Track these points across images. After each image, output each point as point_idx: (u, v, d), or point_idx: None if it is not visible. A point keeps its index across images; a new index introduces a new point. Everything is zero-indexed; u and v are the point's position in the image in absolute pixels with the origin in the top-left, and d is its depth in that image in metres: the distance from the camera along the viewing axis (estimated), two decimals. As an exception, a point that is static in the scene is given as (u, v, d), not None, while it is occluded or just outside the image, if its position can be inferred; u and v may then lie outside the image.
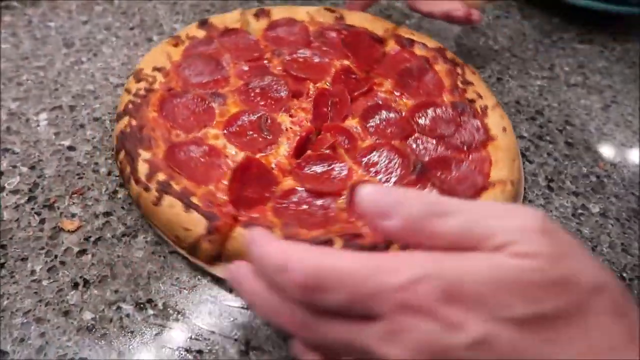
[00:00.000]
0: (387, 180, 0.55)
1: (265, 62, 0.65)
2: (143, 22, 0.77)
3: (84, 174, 0.56)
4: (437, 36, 0.80)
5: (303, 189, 0.52)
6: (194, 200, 0.48)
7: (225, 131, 0.56)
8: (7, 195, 0.53)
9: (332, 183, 0.54)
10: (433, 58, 0.70)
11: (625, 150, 0.68)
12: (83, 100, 0.64)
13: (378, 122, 0.61)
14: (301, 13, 0.72)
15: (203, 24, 0.67)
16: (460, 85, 0.66)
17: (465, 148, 0.59)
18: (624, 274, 0.54)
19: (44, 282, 0.46)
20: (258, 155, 0.55)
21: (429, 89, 0.66)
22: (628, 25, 0.90)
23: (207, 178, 0.51)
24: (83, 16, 0.76)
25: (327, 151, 0.56)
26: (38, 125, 0.60)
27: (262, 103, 0.60)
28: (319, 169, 0.55)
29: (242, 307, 0.47)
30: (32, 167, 0.56)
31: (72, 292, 0.46)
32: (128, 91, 0.57)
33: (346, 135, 0.59)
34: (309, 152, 0.56)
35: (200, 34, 0.66)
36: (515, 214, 0.30)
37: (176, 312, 0.46)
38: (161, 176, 0.50)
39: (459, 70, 0.68)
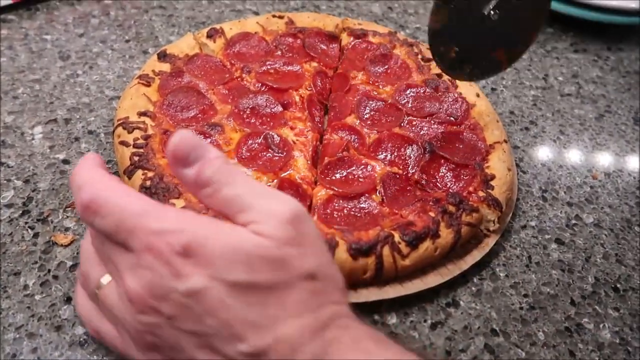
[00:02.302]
0: (405, 167, 0.57)
1: (239, 80, 0.66)
2: (139, 35, 0.77)
3: (78, 187, 0.56)
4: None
5: (338, 195, 0.53)
6: None
7: (238, 159, 0.55)
8: (1, 209, 0.53)
9: (361, 183, 0.55)
10: (390, 43, 0.73)
11: (619, 160, 0.68)
12: (78, 113, 0.64)
13: (371, 113, 0.63)
14: (252, 24, 0.73)
15: (163, 56, 0.65)
16: (423, 63, 0.70)
17: (454, 119, 0.63)
18: (618, 285, 0.54)
19: (37, 297, 0.46)
20: (282, 175, 0.55)
21: (398, 72, 0.69)
22: (622, 34, 0.91)
23: None
24: (79, 29, 0.77)
25: (343, 153, 0.58)
26: (33, 139, 0.60)
27: (259, 122, 0.60)
28: (343, 172, 0.56)
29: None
30: (27, 181, 0.56)
31: (64, 307, 0.46)
32: (124, 144, 0.54)
33: (353, 132, 0.61)
34: (326, 159, 0.57)
35: (165, 66, 0.65)
36: (276, 200, 0.35)
37: (169, 327, 0.46)
38: None
39: (416, 50, 0.72)
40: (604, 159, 0.68)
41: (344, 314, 0.35)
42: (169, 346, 0.33)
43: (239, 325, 0.32)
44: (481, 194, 0.54)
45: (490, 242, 0.54)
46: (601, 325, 0.50)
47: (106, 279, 0.36)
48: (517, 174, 0.64)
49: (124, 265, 0.34)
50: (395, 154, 0.59)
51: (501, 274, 0.53)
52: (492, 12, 0.52)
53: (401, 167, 0.57)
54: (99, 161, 0.38)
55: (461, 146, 0.59)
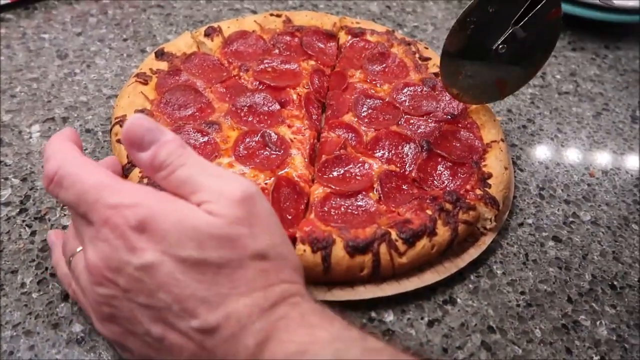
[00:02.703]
0: (403, 165, 0.57)
1: (237, 78, 0.66)
2: (137, 34, 0.77)
3: (75, 185, 0.56)
4: (430, 45, 0.81)
5: (335, 193, 0.53)
6: None
7: (235, 157, 0.55)
8: (-2, 207, 0.53)
9: (358, 181, 0.55)
10: (387, 42, 0.73)
11: (617, 158, 0.69)
12: (76, 111, 0.64)
13: (369, 111, 0.63)
14: (249, 23, 0.73)
15: (160, 54, 0.65)
16: (420, 62, 0.71)
17: (451, 118, 0.63)
18: (615, 282, 0.54)
19: (34, 295, 0.47)
20: (280, 173, 0.55)
21: (396, 71, 0.69)
22: (619, 32, 0.91)
23: None
24: (77, 28, 0.77)
25: (340, 151, 0.57)
26: (30, 137, 0.60)
27: (257, 120, 0.60)
28: (340, 170, 0.56)
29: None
30: (24, 179, 0.56)
31: (62, 305, 0.46)
32: (121, 142, 0.54)
33: (350, 130, 0.61)
34: (324, 157, 0.57)
35: (162, 65, 0.65)
36: (229, 181, 0.36)
37: (166, 324, 0.46)
38: None
39: (413, 48, 0.72)
40: (602, 157, 0.68)
41: (295, 292, 0.36)
42: (125, 318, 0.35)
43: (190, 301, 0.33)
44: (478, 192, 0.54)
45: (487, 240, 0.54)
46: (598, 323, 0.50)
47: (80, 248, 0.38)
48: (515, 171, 0.64)
49: (86, 237, 0.36)
50: (393, 152, 0.59)
51: (498, 272, 0.54)
52: (500, 46, 0.56)
53: (398, 165, 0.57)
54: (70, 135, 0.39)
55: (458, 145, 0.60)
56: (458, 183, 0.56)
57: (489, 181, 0.56)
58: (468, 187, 0.55)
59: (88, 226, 0.35)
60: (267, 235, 0.36)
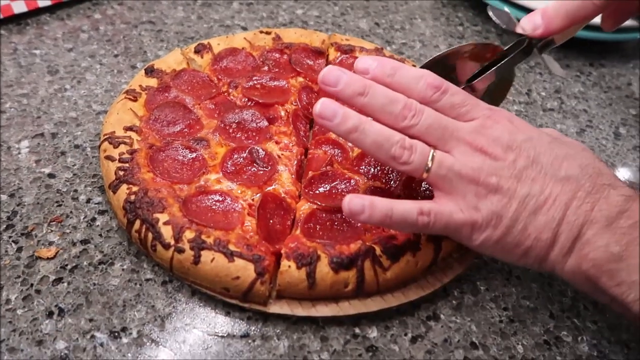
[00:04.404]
0: (387, 181, 0.58)
1: (226, 95, 0.66)
2: (127, 50, 0.78)
3: (63, 201, 0.56)
4: (418, 62, 0.82)
5: (321, 209, 0.54)
6: (232, 247, 0.48)
7: (223, 173, 0.56)
8: (-15, 223, 0.53)
9: (344, 197, 0.55)
10: None
11: (600, 174, 0.69)
12: (65, 127, 0.65)
13: None
14: (239, 40, 0.74)
15: (150, 71, 0.66)
16: None
17: None
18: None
19: (19, 311, 0.47)
20: (267, 189, 0.55)
21: None
22: (603, 50, 0.93)
23: (231, 223, 0.51)
24: (68, 44, 0.78)
25: (327, 168, 0.58)
26: (19, 153, 0.61)
27: (245, 137, 0.61)
28: (326, 186, 0.57)
29: (217, 336, 0.47)
30: (12, 195, 0.56)
31: (46, 321, 0.46)
32: (110, 159, 0.55)
33: (337, 147, 0.61)
34: (310, 173, 0.58)
35: (152, 81, 0.65)
36: None
37: (150, 341, 0.46)
38: (189, 234, 0.48)
39: None
40: (585, 173, 0.69)
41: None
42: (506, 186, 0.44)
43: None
44: (462, 208, 0.55)
45: (471, 256, 0.55)
46: (579, 338, 0.51)
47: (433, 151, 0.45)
48: (499, 188, 0.65)
49: (464, 131, 0.45)
50: (378, 167, 0.59)
51: (482, 287, 0.54)
52: None
53: (383, 181, 0.58)
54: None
55: None
56: None
57: None
58: None
59: (465, 123, 0.45)
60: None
